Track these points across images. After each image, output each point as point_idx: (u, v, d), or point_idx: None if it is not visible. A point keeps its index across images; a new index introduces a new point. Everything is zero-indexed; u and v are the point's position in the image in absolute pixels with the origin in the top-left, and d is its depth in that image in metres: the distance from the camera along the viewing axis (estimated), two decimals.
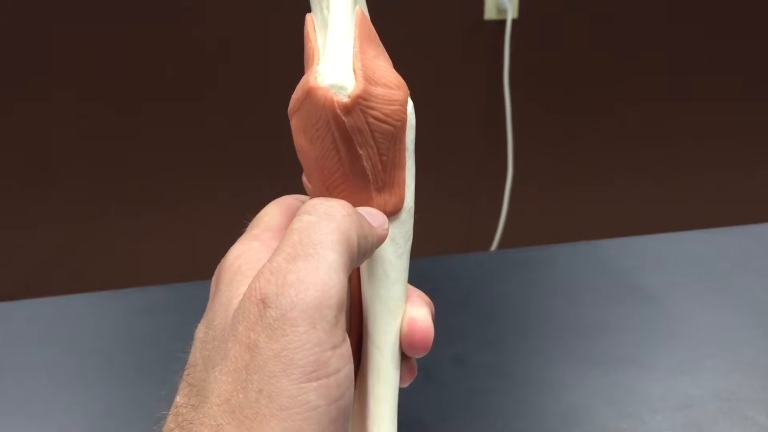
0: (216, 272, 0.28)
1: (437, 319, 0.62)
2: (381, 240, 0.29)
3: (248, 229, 0.30)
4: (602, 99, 1.42)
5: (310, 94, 0.27)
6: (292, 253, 0.24)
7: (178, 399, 0.25)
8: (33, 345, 0.61)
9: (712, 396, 0.54)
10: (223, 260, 0.28)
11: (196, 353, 0.26)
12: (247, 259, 0.27)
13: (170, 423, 0.25)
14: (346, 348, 0.24)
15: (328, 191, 0.29)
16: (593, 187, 1.48)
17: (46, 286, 1.31)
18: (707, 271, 0.69)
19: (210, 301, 0.27)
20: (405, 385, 0.32)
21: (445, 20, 1.29)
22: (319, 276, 0.24)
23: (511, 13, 1.30)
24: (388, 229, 0.29)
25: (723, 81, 1.44)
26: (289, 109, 0.29)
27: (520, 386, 0.56)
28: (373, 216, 0.29)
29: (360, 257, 0.27)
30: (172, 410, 0.25)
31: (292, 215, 0.27)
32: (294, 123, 0.29)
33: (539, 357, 0.59)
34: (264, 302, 0.23)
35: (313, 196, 0.30)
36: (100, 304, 0.66)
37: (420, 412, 0.53)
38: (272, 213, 0.30)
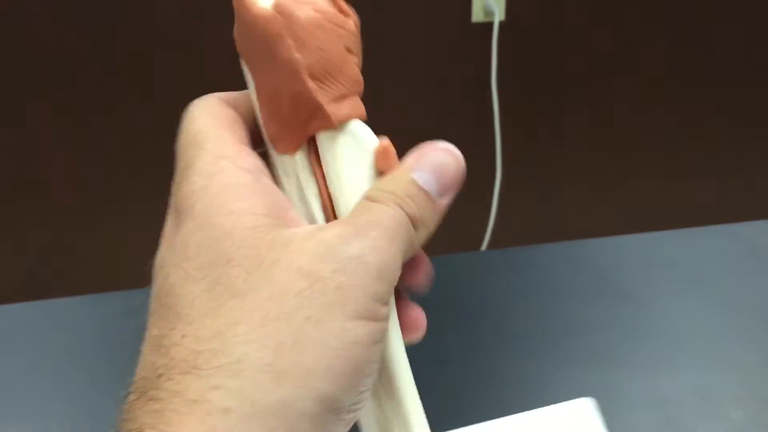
0: (179, 187, 0.25)
1: None
2: (444, 211, 0.27)
3: (184, 148, 0.26)
4: (589, 101, 1.43)
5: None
6: (354, 231, 0.24)
7: (155, 332, 0.23)
8: (18, 349, 0.61)
9: (690, 393, 0.55)
10: (188, 177, 0.25)
11: (178, 283, 0.23)
12: (226, 185, 0.24)
13: (152, 356, 0.23)
14: (390, 309, 0.25)
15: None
16: (581, 188, 1.49)
17: (32, 291, 1.31)
18: (686, 270, 0.70)
19: (176, 218, 0.25)
20: (416, 339, 0.30)
21: (433, 23, 1.30)
22: (392, 252, 0.24)
23: (498, 16, 1.31)
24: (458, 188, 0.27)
25: (709, 84, 1.46)
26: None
27: (501, 384, 0.56)
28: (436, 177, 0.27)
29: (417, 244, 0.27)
30: (150, 342, 0.23)
31: (235, 126, 0.26)
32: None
33: (521, 356, 0.59)
34: (342, 240, 0.23)
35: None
36: (86, 308, 0.66)
37: None
38: (211, 130, 0.26)
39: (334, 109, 0.26)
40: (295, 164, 0.27)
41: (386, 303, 0.24)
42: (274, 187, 0.26)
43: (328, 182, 0.27)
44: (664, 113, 1.46)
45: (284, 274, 0.23)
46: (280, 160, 0.28)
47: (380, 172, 0.27)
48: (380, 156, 0.27)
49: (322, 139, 0.27)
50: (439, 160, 0.27)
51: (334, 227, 0.24)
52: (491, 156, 1.38)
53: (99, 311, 0.66)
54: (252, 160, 0.26)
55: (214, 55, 1.23)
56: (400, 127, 1.38)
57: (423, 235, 0.26)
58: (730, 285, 0.67)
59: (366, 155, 0.27)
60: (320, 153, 0.27)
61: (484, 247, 1.44)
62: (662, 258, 0.72)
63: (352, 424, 0.25)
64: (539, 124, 1.43)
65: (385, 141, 0.28)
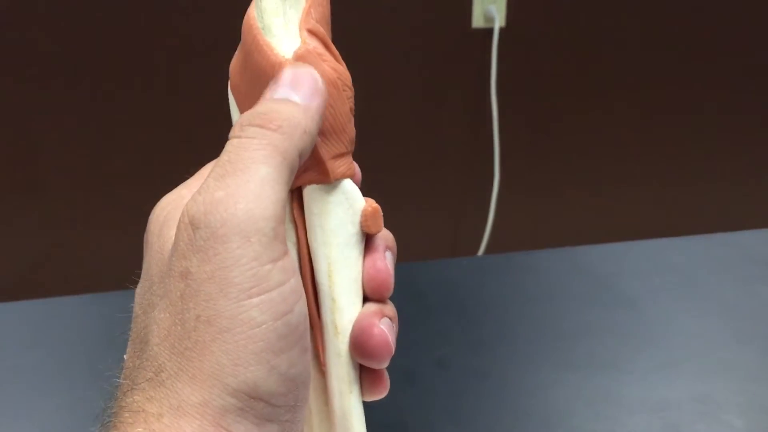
0: (146, 230, 0.27)
1: (421, 323, 0.63)
2: (318, 113, 0.25)
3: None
4: (588, 107, 1.43)
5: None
6: (222, 173, 0.23)
7: (126, 357, 0.25)
8: (19, 347, 0.61)
9: (688, 399, 0.55)
10: (150, 215, 0.27)
11: (136, 308, 0.25)
12: (175, 206, 0.26)
13: (123, 380, 0.24)
14: (289, 261, 0.23)
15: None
16: (579, 194, 1.49)
17: (33, 289, 1.31)
18: (685, 277, 0.70)
19: (144, 259, 0.26)
20: (379, 397, 0.29)
21: (433, 29, 1.31)
22: (250, 188, 0.22)
23: (499, 22, 1.31)
24: (324, 94, 0.26)
25: (709, 92, 1.46)
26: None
27: (501, 389, 0.57)
28: (301, 85, 0.25)
29: (304, 157, 0.25)
30: (124, 371, 0.25)
31: None
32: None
33: (521, 360, 0.60)
34: (193, 224, 0.22)
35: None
36: (86, 308, 0.66)
37: (403, 415, 0.54)
38: (211, 164, 0.28)
39: (332, 166, 0.27)
40: None
41: (275, 259, 0.22)
42: None
43: (309, 233, 0.27)
44: (664, 120, 1.47)
45: (170, 280, 0.23)
46: None
47: (366, 232, 0.28)
48: (369, 217, 0.28)
49: (310, 191, 0.27)
50: (286, 76, 0.26)
51: (183, 214, 0.23)
52: (489, 161, 1.39)
53: (99, 311, 0.66)
54: None
55: (214, 57, 1.23)
56: (399, 132, 1.38)
57: (307, 140, 0.25)
58: (729, 292, 0.68)
59: (354, 214, 0.28)
60: (305, 203, 0.27)
61: (481, 252, 1.45)
62: (661, 265, 0.72)
63: (300, 411, 0.24)
64: (538, 129, 1.43)
65: (374, 203, 0.28)
